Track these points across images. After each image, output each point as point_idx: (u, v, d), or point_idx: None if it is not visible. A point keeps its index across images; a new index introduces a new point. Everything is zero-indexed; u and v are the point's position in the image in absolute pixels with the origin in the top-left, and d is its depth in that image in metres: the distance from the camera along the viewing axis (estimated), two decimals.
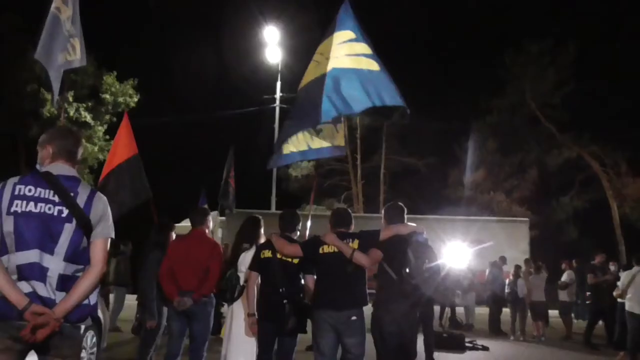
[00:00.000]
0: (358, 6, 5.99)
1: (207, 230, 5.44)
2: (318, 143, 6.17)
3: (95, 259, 2.63)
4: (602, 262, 11.37)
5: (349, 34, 5.86)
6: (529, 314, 12.02)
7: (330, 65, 5.73)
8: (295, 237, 4.95)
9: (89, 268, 2.61)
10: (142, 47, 37.80)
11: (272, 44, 24.04)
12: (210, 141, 29.98)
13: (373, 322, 4.49)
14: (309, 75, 6.10)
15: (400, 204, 4.96)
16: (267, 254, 4.73)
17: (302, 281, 4.75)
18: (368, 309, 4.39)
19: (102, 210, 2.67)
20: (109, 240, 2.72)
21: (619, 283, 8.71)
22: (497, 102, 29.74)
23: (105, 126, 23.04)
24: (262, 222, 5.53)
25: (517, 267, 12.36)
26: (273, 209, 22.49)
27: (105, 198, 2.75)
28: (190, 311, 5.08)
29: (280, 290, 4.55)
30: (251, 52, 26.14)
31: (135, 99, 23.34)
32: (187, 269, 5.09)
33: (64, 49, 5.78)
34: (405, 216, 4.80)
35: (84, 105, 22.57)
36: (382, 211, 4.97)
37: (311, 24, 31.55)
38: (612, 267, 11.42)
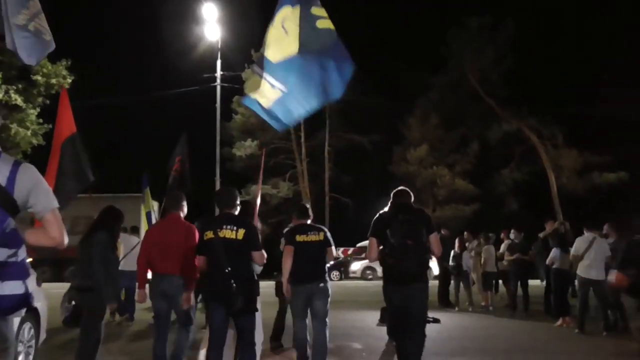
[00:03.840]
0: None
1: (181, 214, 5.50)
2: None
3: (50, 236, 2.35)
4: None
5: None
6: (476, 284, 12.37)
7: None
8: (235, 214, 4.78)
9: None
10: (76, 25, 36.25)
11: (211, 21, 23.36)
12: (150, 123, 29.17)
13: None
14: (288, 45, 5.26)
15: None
16: (210, 234, 4.54)
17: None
18: None
19: (30, 183, 2.33)
20: (57, 211, 2.41)
21: (571, 249, 8.88)
22: (439, 78, 30.09)
23: (38, 109, 21.98)
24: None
25: (462, 240, 12.53)
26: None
27: (32, 168, 2.40)
28: (172, 294, 5.14)
29: (226, 270, 4.36)
30: (190, 29, 25.40)
31: (69, 80, 22.32)
32: (166, 253, 5.16)
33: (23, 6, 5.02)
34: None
35: (14, 87, 21.46)
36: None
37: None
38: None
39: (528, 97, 27.01)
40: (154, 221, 10.75)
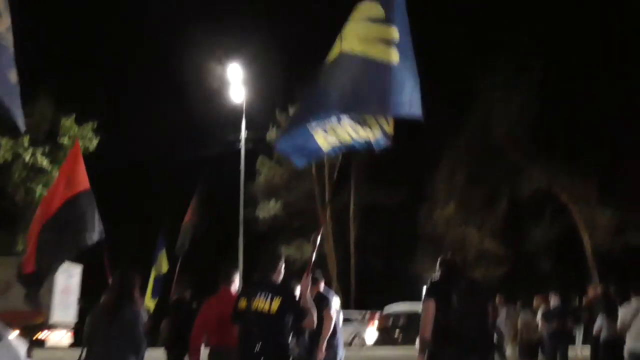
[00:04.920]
0: None
1: (232, 287, 5.40)
2: (364, 133, 4.76)
3: None
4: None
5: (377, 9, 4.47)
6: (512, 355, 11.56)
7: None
8: (278, 280, 4.32)
9: None
10: (102, 88, 37.01)
11: (236, 82, 23.52)
12: (172, 186, 29.08)
13: None
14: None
15: None
16: (243, 303, 4.12)
17: (291, 337, 4.12)
18: None
19: None
20: None
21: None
22: (464, 134, 29.73)
23: None
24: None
25: (494, 306, 11.73)
26: (241, 252, 21.72)
27: None
28: None
29: (255, 349, 3.90)
30: (215, 91, 25.61)
31: (95, 142, 22.61)
32: (220, 327, 4.86)
33: (12, 66, 4.61)
34: None
35: (41, 149, 21.71)
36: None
37: (275, 61, 31.53)
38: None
39: (558, 152, 26.32)
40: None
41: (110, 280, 5.18)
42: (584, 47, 28.51)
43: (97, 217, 6.30)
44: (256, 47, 29.89)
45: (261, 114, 28.14)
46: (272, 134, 30.51)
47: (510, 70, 27.88)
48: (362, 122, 4.62)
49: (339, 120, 4.55)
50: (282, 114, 31.25)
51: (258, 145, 25.14)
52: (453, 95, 29.43)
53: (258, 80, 26.07)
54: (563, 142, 26.33)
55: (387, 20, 4.35)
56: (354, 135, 4.69)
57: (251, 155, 26.76)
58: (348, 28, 4.55)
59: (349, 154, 29.01)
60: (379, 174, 29.28)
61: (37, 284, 6.10)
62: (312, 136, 4.65)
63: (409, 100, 4.23)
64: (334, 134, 4.67)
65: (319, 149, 4.77)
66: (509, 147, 28.57)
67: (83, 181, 6.48)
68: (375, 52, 4.30)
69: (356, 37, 4.46)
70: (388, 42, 4.29)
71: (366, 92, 4.24)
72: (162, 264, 10.86)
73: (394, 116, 4.43)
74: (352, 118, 4.58)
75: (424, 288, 5.02)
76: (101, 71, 40.86)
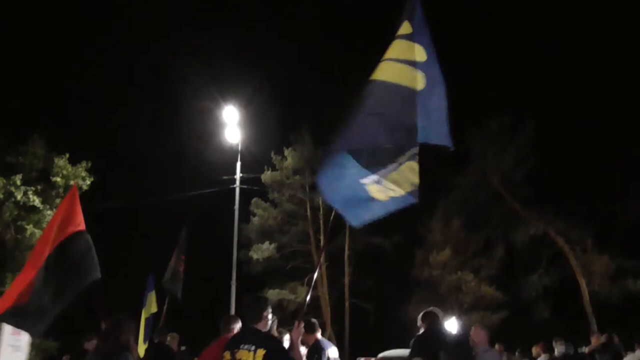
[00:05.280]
0: None
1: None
2: (392, 191, 4.54)
3: None
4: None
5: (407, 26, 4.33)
6: None
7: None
8: (264, 329, 4.09)
9: None
10: (96, 128, 37.12)
11: (232, 124, 23.54)
12: (166, 225, 28.81)
13: None
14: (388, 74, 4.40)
15: None
16: (227, 357, 3.91)
17: None
18: None
19: None
20: None
21: None
22: (460, 179, 29.68)
23: (55, 210, 21.88)
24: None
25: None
26: (233, 295, 21.30)
27: None
28: None
29: None
30: (210, 132, 25.65)
31: (88, 182, 22.40)
32: None
33: None
34: None
35: (33, 188, 21.47)
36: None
37: (271, 103, 31.73)
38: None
39: (553, 198, 26.28)
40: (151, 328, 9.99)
41: (103, 325, 5.03)
42: (578, 95, 28.94)
43: (94, 257, 6.33)
44: (253, 90, 30.10)
45: (256, 155, 28.14)
46: (266, 176, 30.51)
47: (506, 120, 28.12)
48: (394, 181, 4.47)
49: (378, 181, 4.43)
50: (277, 156, 31.36)
51: (253, 187, 24.97)
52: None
53: (254, 123, 26.12)
54: (559, 188, 26.33)
55: (414, 37, 4.27)
56: (391, 194, 4.52)
57: (246, 197, 26.59)
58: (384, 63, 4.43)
59: None
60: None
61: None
62: (364, 189, 4.48)
63: (436, 127, 4.13)
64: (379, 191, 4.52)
65: (374, 201, 4.57)
66: (505, 193, 28.51)
67: (79, 222, 6.54)
68: (403, 77, 4.21)
69: (389, 68, 4.36)
70: (414, 64, 4.19)
71: (395, 122, 4.15)
72: (152, 305, 10.63)
73: (422, 142, 4.32)
74: (385, 175, 4.45)
75: (411, 342, 5.05)
76: (96, 110, 41.05)
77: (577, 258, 27.00)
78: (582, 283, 26.64)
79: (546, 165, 26.93)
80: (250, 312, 4.11)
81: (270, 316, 4.19)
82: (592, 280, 26.57)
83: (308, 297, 4.82)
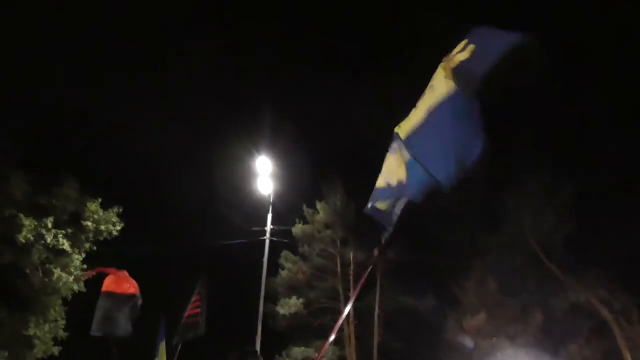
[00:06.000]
0: None
1: None
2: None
3: None
4: None
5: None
6: None
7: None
8: None
9: None
10: (128, 175, 37.49)
11: (264, 174, 23.42)
12: (193, 274, 28.52)
13: None
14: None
15: None
16: None
17: None
18: None
19: None
20: None
21: None
22: (497, 240, 28.80)
23: (84, 255, 21.85)
24: None
25: None
26: (258, 348, 20.68)
27: None
28: None
29: None
30: (242, 182, 25.57)
31: (119, 228, 22.41)
32: None
33: None
34: None
35: (63, 232, 21.49)
36: None
37: (304, 155, 31.73)
38: None
39: (596, 264, 25.27)
40: None
41: None
42: (620, 159, 28.12)
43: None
44: (287, 143, 30.25)
45: (288, 208, 27.92)
46: (297, 229, 30.17)
47: (545, 181, 27.42)
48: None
49: None
50: (310, 209, 31.11)
51: (283, 239, 24.65)
52: (486, 203, 28.87)
53: (286, 175, 26.00)
54: (603, 254, 25.23)
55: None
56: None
57: (275, 249, 26.27)
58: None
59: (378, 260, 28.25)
60: (407, 276, 28.49)
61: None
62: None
63: (442, 159, 3.71)
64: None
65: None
66: (544, 256, 27.52)
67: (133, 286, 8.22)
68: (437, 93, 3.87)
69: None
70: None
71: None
72: (163, 356, 10.10)
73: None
74: None
75: None
76: (129, 156, 41.55)
77: (621, 329, 25.70)
78: (627, 356, 25.30)
79: (588, 228, 26.06)
80: None
81: None
82: (638, 354, 25.20)
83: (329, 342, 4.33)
